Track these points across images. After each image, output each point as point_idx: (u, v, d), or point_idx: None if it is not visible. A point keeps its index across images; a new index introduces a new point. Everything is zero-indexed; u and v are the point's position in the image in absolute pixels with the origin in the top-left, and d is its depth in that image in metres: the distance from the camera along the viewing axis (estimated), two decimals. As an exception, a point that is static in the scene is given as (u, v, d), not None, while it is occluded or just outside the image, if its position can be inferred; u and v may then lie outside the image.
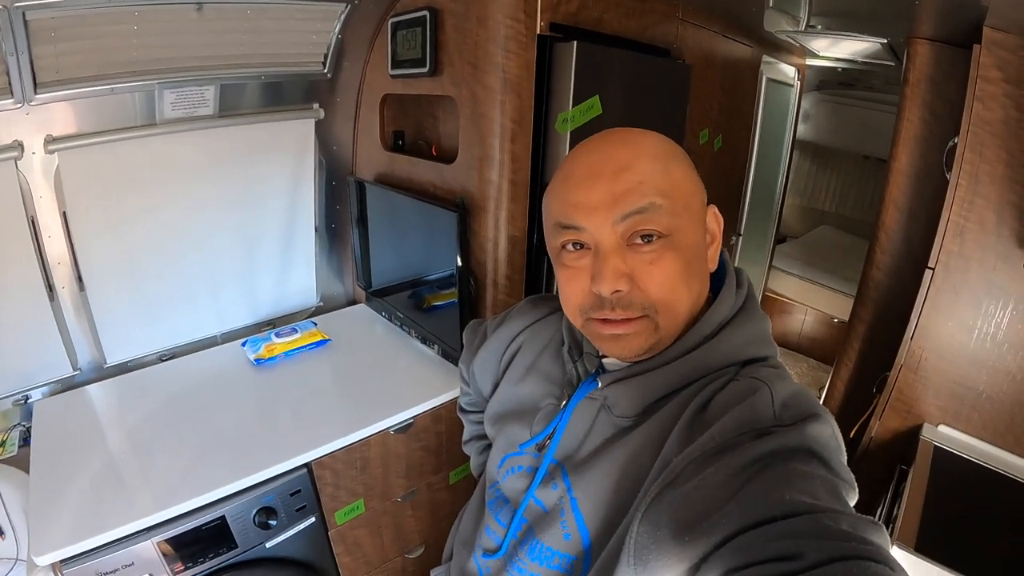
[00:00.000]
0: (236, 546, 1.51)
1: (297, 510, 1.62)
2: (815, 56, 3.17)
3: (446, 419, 1.84)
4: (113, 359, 1.91)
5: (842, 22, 2.04)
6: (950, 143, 1.67)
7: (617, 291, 0.68)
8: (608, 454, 0.75)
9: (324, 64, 1.93)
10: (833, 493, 0.57)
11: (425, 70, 1.71)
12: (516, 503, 0.86)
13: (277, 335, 1.98)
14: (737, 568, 0.52)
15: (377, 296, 2.24)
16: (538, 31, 1.58)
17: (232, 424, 1.70)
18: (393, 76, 1.85)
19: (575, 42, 1.58)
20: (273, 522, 1.56)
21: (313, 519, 1.67)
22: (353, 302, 2.50)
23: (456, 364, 1.90)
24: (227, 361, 2.01)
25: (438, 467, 1.90)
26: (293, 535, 1.63)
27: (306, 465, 1.59)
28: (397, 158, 2.02)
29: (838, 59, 2.96)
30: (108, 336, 1.88)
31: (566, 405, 0.82)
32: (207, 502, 1.43)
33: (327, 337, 2.03)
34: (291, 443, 1.61)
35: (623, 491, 0.71)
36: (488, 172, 1.64)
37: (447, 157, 1.88)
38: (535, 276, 1.82)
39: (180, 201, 1.89)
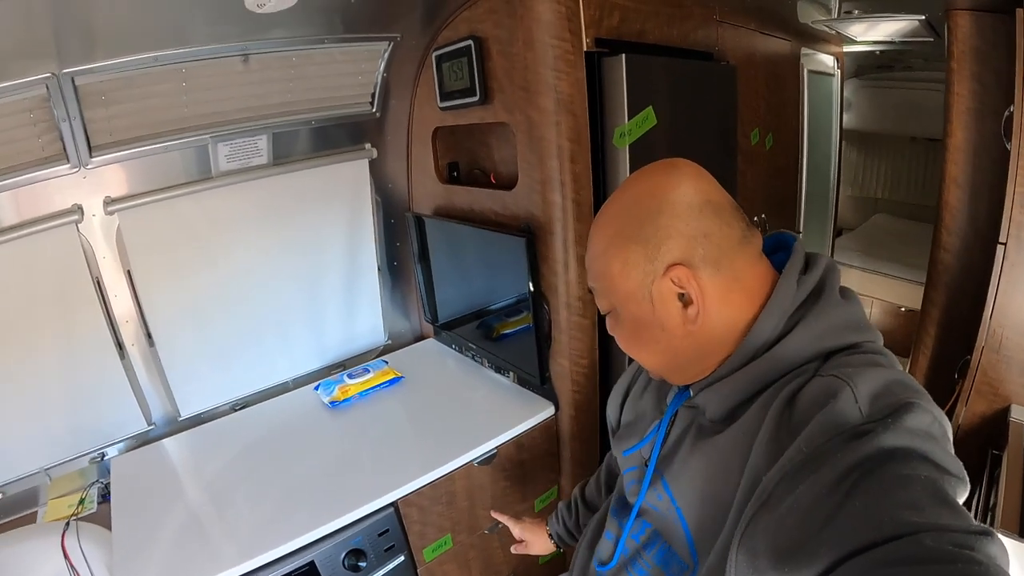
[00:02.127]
0: None
1: (386, 550, 1.59)
2: (852, 42, 3.08)
3: (528, 447, 1.80)
4: (187, 411, 1.92)
5: (876, 3, 1.96)
6: (1007, 112, 1.58)
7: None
8: (700, 459, 0.77)
9: (372, 104, 1.93)
10: (938, 497, 0.52)
11: (476, 99, 1.69)
12: (631, 507, 0.91)
13: (350, 376, 1.97)
14: None
15: (445, 329, 2.22)
16: (585, 48, 1.55)
17: (313, 468, 1.68)
18: (443, 108, 1.83)
19: (624, 55, 1.55)
20: (363, 564, 1.53)
21: (402, 558, 1.63)
22: (421, 337, 2.49)
23: (532, 390, 1.89)
24: (301, 406, 2.01)
25: (523, 496, 1.86)
26: (381, 573, 1.61)
27: (392, 504, 1.56)
28: (455, 190, 2.00)
29: (875, 43, 2.86)
30: (180, 389, 1.89)
31: (664, 413, 0.87)
32: (294, 548, 1.42)
33: (400, 375, 2.01)
34: (376, 483, 1.59)
35: (717, 497, 0.72)
36: (551, 194, 1.61)
37: (506, 184, 1.86)
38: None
39: (241, 251, 1.91)
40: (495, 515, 1.47)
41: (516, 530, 1.43)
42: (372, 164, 2.06)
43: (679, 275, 0.72)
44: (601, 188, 1.68)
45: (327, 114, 1.88)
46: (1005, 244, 1.60)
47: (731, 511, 0.68)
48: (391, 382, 1.98)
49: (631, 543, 0.91)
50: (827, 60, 3.18)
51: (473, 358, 2.10)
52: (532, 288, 1.65)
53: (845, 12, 1.91)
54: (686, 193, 0.74)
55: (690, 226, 0.73)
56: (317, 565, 1.45)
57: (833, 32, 2.63)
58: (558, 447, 1.89)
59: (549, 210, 1.63)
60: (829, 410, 0.60)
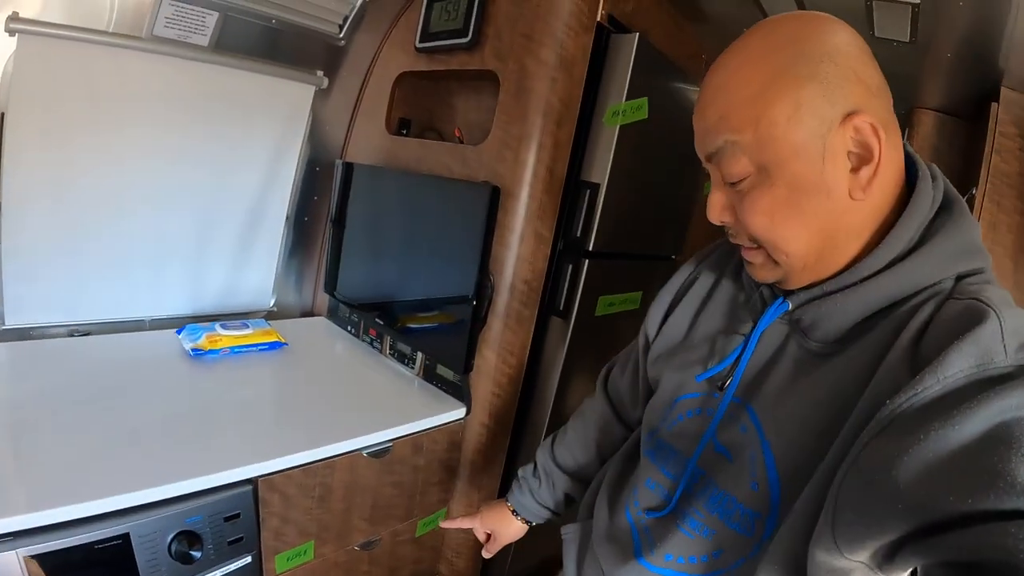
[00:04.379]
0: None
1: (230, 543, 1.17)
2: None
3: (427, 452, 1.46)
4: (14, 320, 1.43)
5: None
6: (967, 194, 1.65)
7: (722, 221, 0.67)
8: (805, 387, 0.64)
9: (340, 29, 1.64)
10: None
11: (464, 41, 1.47)
12: (689, 451, 0.75)
13: (223, 327, 1.54)
14: (947, 564, 0.44)
15: (344, 304, 1.83)
16: (598, 18, 1.44)
17: (153, 418, 1.25)
18: (420, 49, 1.59)
19: (637, 33, 1.43)
20: (196, 554, 1.10)
21: (248, 559, 1.21)
22: (310, 315, 2.06)
23: (440, 387, 1.58)
24: (155, 348, 1.55)
25: (408, 512, 1.49)
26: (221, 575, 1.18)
27: (251, 482, 1.17)
28: (404, 142, 1.72)
29: None
30: (13, 289, 1.42)
31: (752, 331, 0.71)
32: (104, 511, 0.99)
33: (284, 340, 1.61)
34: (234, 451, 1.19)
35: (823, 431, 0.59)
36: (525, 153, 1.39)
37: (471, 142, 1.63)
38: (554, 291, 1.54)
39: (144, 142, 1.50)
40: (446, 525, 1.21)
41: (477, 523, 1.17)
42: (317, 95, 1.74)
43: (861, 125, 0.58)
44: (577, 165, 1.50)
45: (292, 19, 1.55)
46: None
47: (836, 441, 0.57)
48: (272, 345, 1.58)
49: (688, 491, 0.74)
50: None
51: (371, 344, 1.75)
52: (481, 256, 1.38)
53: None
54: (854, 37, 0.60)
55: (867, 72, 0.59)
56: (132, 541, 1.02)
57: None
58: (458, 460, 1.56)
59: (519, 171, 1.41)
60: (973, 338, 0.50)
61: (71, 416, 1.19)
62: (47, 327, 1.49)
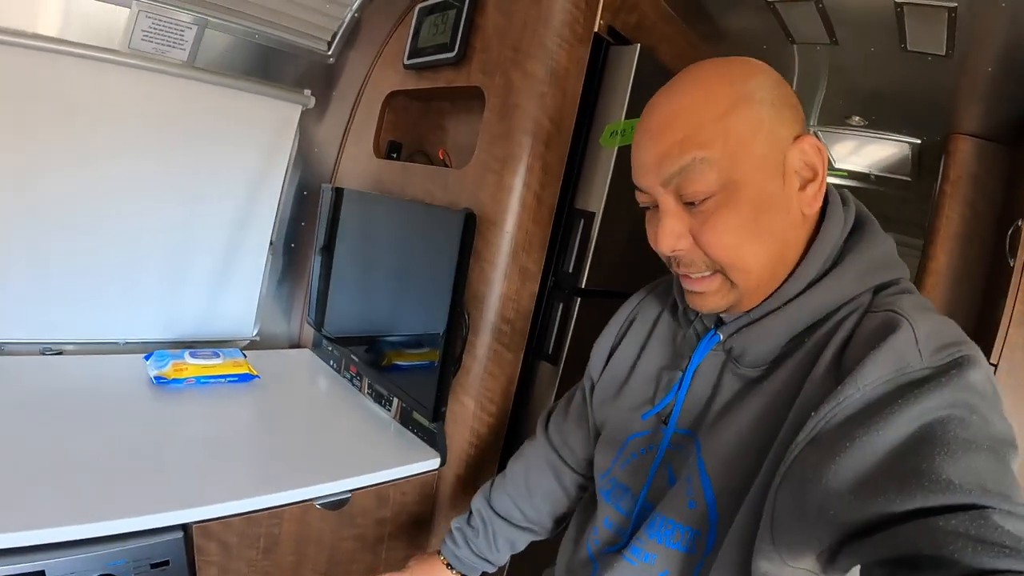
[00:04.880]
0: None
1: None
2: (830, 169, 2.91)
3: (394, 505, 1.32)
4: None
5: (876, 115, 1.86)
6: (1013, 226, 1.49)
7: (677, 250, 0.66)
8: (739, 409, 0.67)
9: (329, 46, 1.57)
10: (1000, 465, 0.47)
11: (450, 56, 1.37)
12: (639, 487, 0.77)
13: (192, 355, 1.45)
14: (884, 561, 0.45)
15: (328, 340, 1.72)
16: (595, 29, 1.30)
17: (97, 448, 1.15)
18: (407, 66, 1.49)
19: (638, 45, 1.29)
20: None
21: None
22: (297, 346, 1.95)
23: (416, 433, 1.44)
24: (122, 373, 1.46)
25: (370, 568, 1.34)
26: None
27: (183, 528, 1.05)
28: (389, 166, 1.61)
29: (850, 174, 2.74)
30: None
31: (688, 364, 0.75)
32: (18, 545, 0.90)
33: (255, 373, 1.50)
34: (170, 491, 1.08)
35: (755, 448, 0.63)
36: (510, 177, 1.26)
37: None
38: (543, 333, 1.39)
39: (120, 157, 1.44)
40: None
41: None
42: (304, 116, 1.66)
43: (808, 146, 0.63)
44: (570, 192, 1.35)
45: (277, 35, 1.49)
46: (996, 365, 1.45)
47: (768, 456, 0.60)
48: (241, 378, 1.48)
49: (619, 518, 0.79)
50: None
51: (351, 382, 1.62)
52: (454, 287, 1.24)
53: (845, 117, 1.76)
54: (778, 76, 0.66)
55: (795, 102, 0.66)
56: None
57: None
58: (432, 514, 1.41)
59: (503, 197, 1.27)
60: (888, 347, 0.54)
61: (10, 436, 1.12)
62: (18, 343, 1.43)
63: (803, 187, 0.63)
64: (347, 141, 1.78)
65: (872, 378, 0.52)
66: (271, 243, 1.73)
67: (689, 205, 0.63)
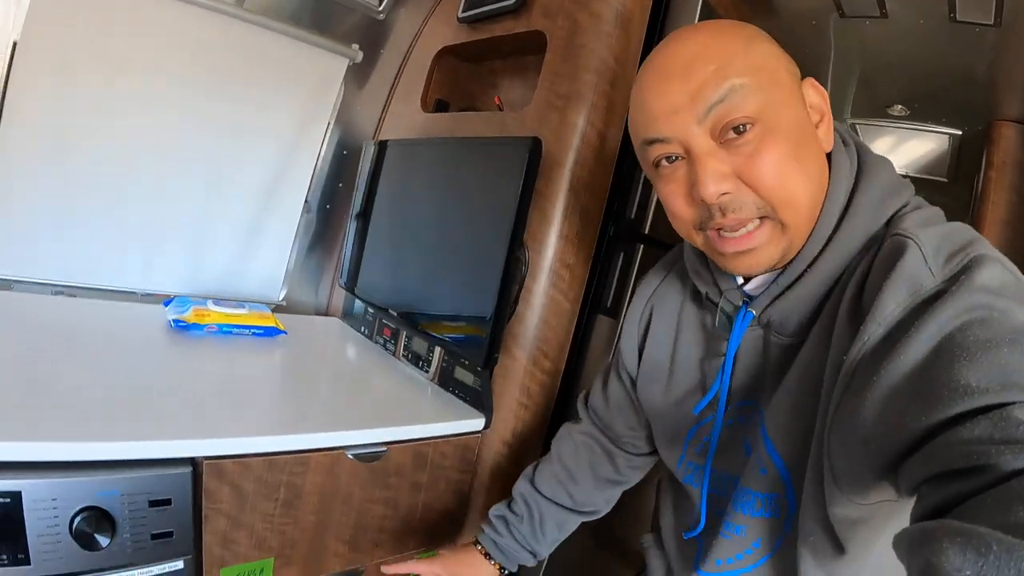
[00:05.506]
0: (27, 560, 0.72)
1: (156, 537, 0.81)
2: None
3: (432, 468, 1.08)
4: None
5: (918, 102, 1.75)
6: None
7: (724, 193, 0.56)
8: (788, 371, 0.61)
9: (380, 1, 1.41)
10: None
11: (511, 2, 1.22)
12: (718, 465, 0.71)
13: (216, 304, 1.23)
14: (926, 479, 0.40)
15: (361, 300, 1.50)
16: (661, -28, 1.17)
17: (97, 375, 0.95)
18: (462, 19, 1.34)
19: (706, -10, 1.17)
20: (104, 539, 0.76)
21: (180, 565, 0.86)
22: (324, 315, 1.71)
23: (456, 393, 1.20)
24: (138, 318, 1.25)
25: (401, 542, 1.10)
26: None
27: (192, 463, 0.83)
28: (439, 118, 1.43)
29: None
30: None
31: (728, 347, 0.67)
32: None
33: (283, 328, 1.29)
34: (179, 421, 0.87)
35: (805, 405, 0.58)
36: (574, 115, 1.09)
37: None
38: (601, 284, 1.19)
39: (157, 95, 1.27)
40: (390, 571, 0.91)
41: (437, 570, 0.90)
42: (353, 75, 1.49)
43: (812, 88, 0.60)
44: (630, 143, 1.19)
45: None
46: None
47: (819, 409, 0.55)
48: (267, 331, 1.26)
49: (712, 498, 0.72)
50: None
51: (385, 346, 1.39)
52: (516, 217, 1.06)
53: (885, 107, 1.64)
54: None
55: None
56: (24, 505, 0.71)
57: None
58: (470, 485, 1.17)
59: (566, 134, 1.10)
60: (899, 272, 0.49)
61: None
62: (30, 282, 1.22)
63: (816, 126, 0.59)
64: (392, 99, 1.60)
65: (890, 308, 0.48)
66: (306, 202, 1.53)
67: (725, 144, 0.56)
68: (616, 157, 1.15)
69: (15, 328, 1.08)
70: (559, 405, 1.18)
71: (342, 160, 1.59)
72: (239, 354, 1.18)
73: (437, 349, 1.22)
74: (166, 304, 1.23)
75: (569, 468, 0.91)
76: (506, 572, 0.92)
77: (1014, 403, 0.38)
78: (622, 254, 1.17)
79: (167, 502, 0.81)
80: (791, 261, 0.60)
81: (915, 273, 0.49)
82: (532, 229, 1.11)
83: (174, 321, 1.16)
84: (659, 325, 0.79)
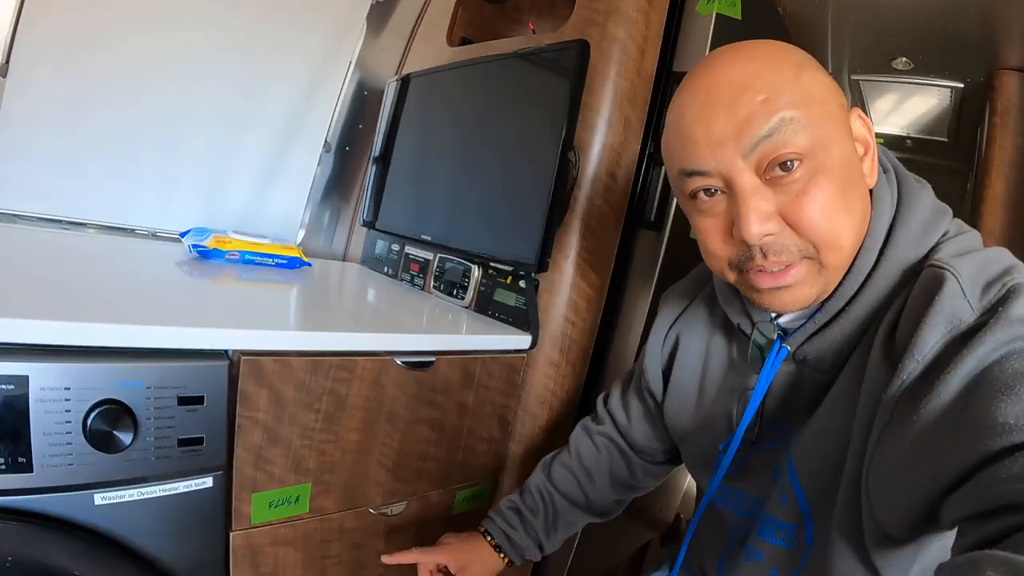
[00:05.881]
0: (29, 466, 0.60)
1: (184, 443, 0.69)
2: None
3: (478, 387, 0.97)
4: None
5: (921, 54, 1.72)
6: None
7: (767, 235, 0.50)
8: (819, 405, 0.56)
9: None
10: None
11: (541, -74, 1.17)
12: (747, 489, 0.66)
13: (236, 232, 1.10)
14: (968, 518, 0.38)
15: (385, 233, 1.36)
16: None
17: (119, 278, 0.85)
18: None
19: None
20: (125, 437, 0.63)
21: (208, 482, 0.73)
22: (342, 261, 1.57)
23: (502, 319, 1.07)
24: (156, 249, 1.12)
25: (446, 475, 0.97)
26: (161, 497, 0.69)
27: (226, 355, 0.71)
28: (464, 51, 1.32)
29: (886, 140, 2.55)
30: (9, 166, 1.04)
31: (758, 381, 0.61)
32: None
33: (308, 260, 1.16)
34: (211, 311, 0.78)
35: (835, 440, 0.53)
36: (614, 28, 1.00)
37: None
38: (642, 200, 1.09)
39: (175, 24, 1.15)
40: (390, 560, 0.79)
41: (444, 557, 0.80)
42: (376, 13, 1.39)
43: (858, 118, 0.54)
44: (668, 60, 1.11)
45: None
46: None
47: (850, 444, 0.51)
48: (292, 262, 1.12)
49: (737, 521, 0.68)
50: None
51: (412, 282, 1.27)
52: (568, 119, 0.96)
53: (889, 60, 1.61)
54: None
55: None
56: (30, 393, 0.58)
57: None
58: (515, 412, 1.05)
59: (607, 47, 1.01)
60: (937, 308, 0.45)
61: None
62: (34, 217, 1.09)
63: (861, 159, 0.54)
64: (415, 38, 1.49)
65: (930, 344, 0.44)
66: (326, 142, 1.41)
67: (770, 181, 0.50)
68: (654, 74, 1.08)
69: (30, 248, 0.95)
70: (604, 324, 1.08)
71: (362, 101, 1.47)
72: (267, 276, 1.05)
73: (475, 272, 1.11)
74: (183, 235, 1.10)
75: (588, 468, 0.85)
76: (511, 564, 0.85)
77: None
78: (663, 169, 1.08)
79: (199, 400, 0.69)
80: (828, 298, 0.55)
81: (953, 306, 0.45)
82: (578, 136, 1.02)
83: (193, 246, 1.03)
84: (687, 352, 0.73)
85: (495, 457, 1.04)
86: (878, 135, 2.13)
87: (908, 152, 1.99)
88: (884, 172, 0.57)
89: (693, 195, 0.54)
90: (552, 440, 1.06)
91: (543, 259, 0.95)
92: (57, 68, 1.06)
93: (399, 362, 0.85)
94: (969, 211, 1.62)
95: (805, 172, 0.49)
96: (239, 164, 1.29)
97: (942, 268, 0.47)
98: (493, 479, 1.07)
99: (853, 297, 0.53)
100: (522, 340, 1.00)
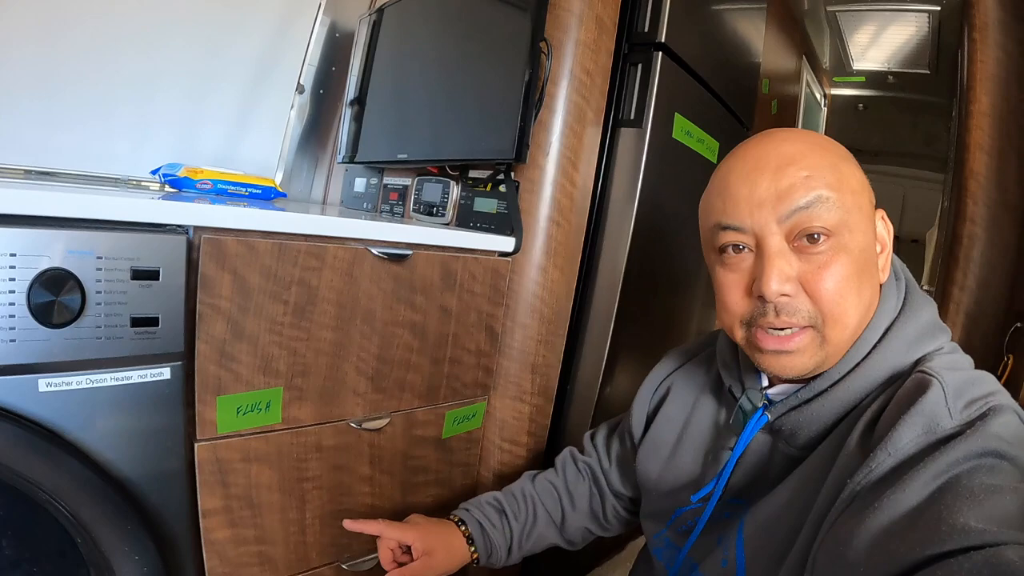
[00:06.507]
0: None
1: (137, 323, 0.63)
2: (844, 76, 2.47)
3: (460, 291, 0.91)
4: None
5: None
6: None
7: (784, 295, 0.53)
8: (782, 481, 0.57)
9: None
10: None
11: None
12: (689, 549, 0.66)
13: (210, 166, 1.05)
14: None
15: (363, 164, 1.31)
16: None
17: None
18: None
19: None
20: (72, 304, 0.59)
21: (166, 374, 0.67)
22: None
23: (483, 228, 1.02)
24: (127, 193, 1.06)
25: (431, 389, 0.91)
26: (113, 387, 0.64)
27: (185, 233, 0.66)
28: None
29: (867, 77, 2.42)
30: None
31: (736, 444, 0.63)
32: None
33: (283, 190, 1.11)
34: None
35: (790, 517, 0.54)
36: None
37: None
38: (620, 98, 1.04)
39: None
40: (353, 527, 0.76)
41: (410, 535, 0.76)
42: None
43: (882, 219, 0.58)
44: None
45: None
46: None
47: (804, 527, 0.51)
48: (266, 192, 1.07)
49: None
50: (817, 92, 2.56)
51: (392, 211, 1.22)
52: (536, 14, 0.92)
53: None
54: None
55: None
56: None
57: (825, 62, 2.29)
58: (502, 322, 0.99)
59: None
60: (919, 409, 0.46)
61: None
62: (6, 168, 1.04)
63: (877, 255, 0.57)
64: None
65: (904, 441, 0.45)
66: (299, 84, 1.37)
67: (796, 249, 0.53)
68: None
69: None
70: (591, 224, 1.03)
71: (334, 44, 1.43)
72: (240, 206, 1.00)
73: (453, 188, 1.05)
74: (154, 172, 1.05)
75: (571, 490, 0.86)
76: (477, 562, 0.80)
77: (1007, 543, 0.36)
78: (640, 65, 1.03)
79: (154, 275, 0.64)
80: (816, 377, 0.56)
81: (934, 412, 0.46)
82: (549, 33, 0.97)
83: (164, 175, 0.98)
84: (673, 405, 0.74)
85: (484, 372, 0.98)
86: (859, 73, 2.09)
87: (891, 89, 1.95)
88: (896, 279, 0.59)
89: (722, 249, 0.56)
90: (547, 357, 0.99)
91: (521, 148, 0.90)
92: (25, 24, 1.02)
93: (374, 252, 0.79)
94: (957, 128, 1.57)
95: (829, 248, 0.52)
96: (212, 107, 1.25)
97: (930, 375, 0.48)
98: (486, 399, 1.00)
99: (838, 381, 0.55)
100: (506, 242, 0.95)
